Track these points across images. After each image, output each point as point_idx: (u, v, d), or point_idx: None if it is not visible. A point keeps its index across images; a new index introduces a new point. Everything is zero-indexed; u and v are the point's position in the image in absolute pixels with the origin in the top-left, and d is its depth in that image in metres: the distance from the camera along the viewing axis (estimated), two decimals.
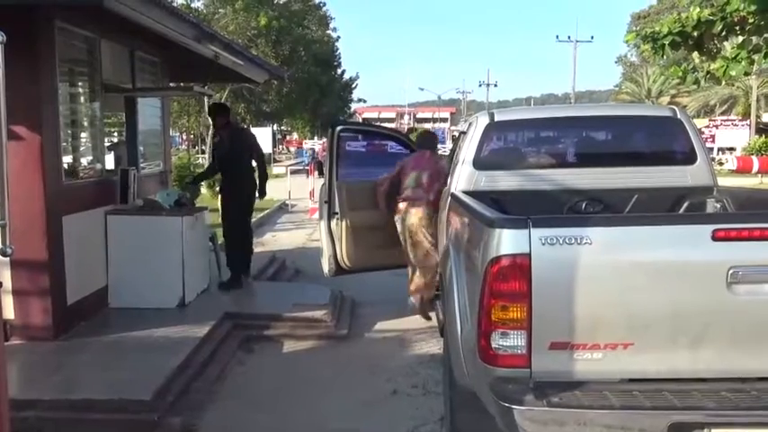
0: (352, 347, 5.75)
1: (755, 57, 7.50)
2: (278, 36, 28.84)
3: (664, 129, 4.85)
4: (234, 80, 11.48)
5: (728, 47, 8.95)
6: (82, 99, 5.95)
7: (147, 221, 6.02)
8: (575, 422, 2.62)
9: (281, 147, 49.61)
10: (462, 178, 4.60)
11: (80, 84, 5.85)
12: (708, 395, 2.68)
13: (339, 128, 6.43)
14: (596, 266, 2.69)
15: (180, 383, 4.45)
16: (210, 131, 19.07)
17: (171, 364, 4.57)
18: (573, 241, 2.65)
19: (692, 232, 2.76)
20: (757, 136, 30.12)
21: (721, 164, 24.91)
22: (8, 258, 2.84)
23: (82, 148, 5.94)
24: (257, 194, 7.24)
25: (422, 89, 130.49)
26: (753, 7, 6.60)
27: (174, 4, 16.48)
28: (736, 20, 7.14)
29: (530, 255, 2.65)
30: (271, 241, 11.17)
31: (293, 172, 19.76)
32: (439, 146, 8.87)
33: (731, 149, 30.49)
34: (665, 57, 8.21)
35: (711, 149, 26.63)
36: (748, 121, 32.59)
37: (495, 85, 66.57)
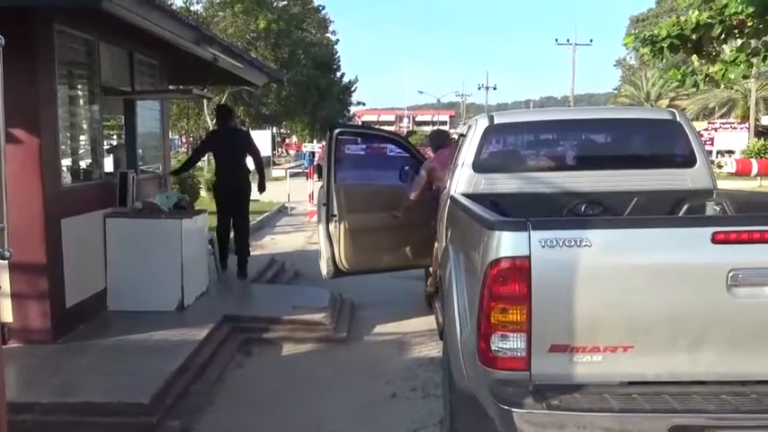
0: (352, 350, 5.74)
1: (754, 60, 7.52)
2: (277, 39, 28.84)
3: (663, 132, 4.85)
4: (233, 83, 11.47)
5: (727, 50, 8.97)
6: (81, 102, 5.94)
7: (146, 224, 6.01)
8: (574, 425, 2.62)
9: (280, 150, 49.59)
10: (462, 181, 4.59)
11: (79, 86, 5.84)
12: (708, 398, 2.67)
13: (337, 130, 6.40)
14: (596, 269, 2.69)
15: (179, 386, 4.44)
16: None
17: (170, 367, 4.56)
18: (573, 244, 2.65)
19: (691, 235, 2.75)
20: (756, 139, 30.18)
21: (720, 167, 24.93)
22: (6, 261, 2.84)
23: (81, 151, 5.93)
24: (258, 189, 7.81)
25: (421, 92, 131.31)
26: (751, 10, 6.61)
27: (174, 7, 16.52)
28: (734, 23, 7.17)
29: (529, 257, 2.65)
30: (270, 244, 11.16)
31: (292, 175, 19.76)
32: None
33: (730, 152, 30.52)
34: (664, 60, 8.23)
35: (710, 152, 26.59)
36: (747, 124, 32.63)
37: (495, 88, 66.52)
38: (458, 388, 3.37)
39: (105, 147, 6.38)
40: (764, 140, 28.69)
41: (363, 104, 55.82)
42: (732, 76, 7.62)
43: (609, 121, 5.19)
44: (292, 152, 48.88)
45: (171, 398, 4.26)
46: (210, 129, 15.48)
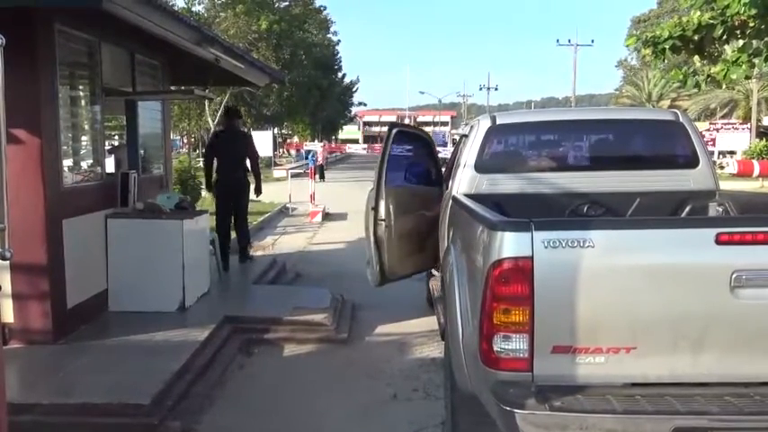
0: (353, 351, 5.73)
1: (756, 60, 7.51)
2: (278, 40, 28.86)
3: (666, 132, 4.84)
4: (234, 83, 11.48)
5: (729, 50, 8.95)
6: (82, 102, 5.93)
7: (147, 225, 6.00)
8: (577, 426, 2.61)
9: (281, 150, 49.60)
10: (464, 181, 4.58)
11: (80, 87, 5.84)
12: (711, 400, 2.65)
13: (396, 130, 5.56)
14: (599, 270, 2.68)
15: (180, 387, 4.43)
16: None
17: (171, 367, 4.55)
18: (575, 244, 2.64)
19: (695, 236, 2.74)
20: (758, 139, 30.19)
21: (722, 167, 24.90)
22: (8, 262, 2.83)
23: (82, 152, 5.92)
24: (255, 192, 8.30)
25: (422, 93, 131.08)
26: (753, 11, 6.61)
27: (175, 8, 16.52)
28: (736, 23, 7.16)
29: (532, 258, 2.64)
30: (271, 245, 11.16)
31: (294, 175, 19.75)
32: (440, 148, 8.66)
33: (732, 153, 30.50)
34: (665, 60, 8.22)
35: (712, 153, 26.60)
36: (749, 125, 32.61)
37: (496, 89, 66.60)
38: (459, 389, 3.36)
39: (107, 147, 6.38)
40: (766, 141, 28.66)
41: (365, 105, 56.05)
42: (734, 77, 7.61)
43: (611, 122, 5.17)
44: (293, 152, 48.89)
45: (172, 399, 4.25)
46: (212, 130, 15.51)
